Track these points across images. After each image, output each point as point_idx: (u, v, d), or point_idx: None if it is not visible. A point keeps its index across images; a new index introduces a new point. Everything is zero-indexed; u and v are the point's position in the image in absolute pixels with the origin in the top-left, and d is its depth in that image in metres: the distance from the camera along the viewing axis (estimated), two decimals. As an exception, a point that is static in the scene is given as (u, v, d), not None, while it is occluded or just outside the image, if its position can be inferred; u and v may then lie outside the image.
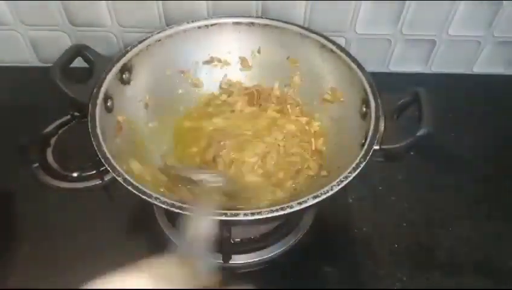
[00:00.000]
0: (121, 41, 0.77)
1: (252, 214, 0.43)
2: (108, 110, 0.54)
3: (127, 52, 0.58)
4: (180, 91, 0.65)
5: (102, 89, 0.53)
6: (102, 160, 0.47)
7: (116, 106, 0.55)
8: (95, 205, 0.63)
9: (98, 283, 0.33)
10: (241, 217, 0.43)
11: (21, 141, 0.67)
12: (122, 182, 0.45)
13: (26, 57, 0.80)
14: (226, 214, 0.43)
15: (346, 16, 0.73)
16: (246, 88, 0.66)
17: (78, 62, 0.57)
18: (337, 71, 0.60)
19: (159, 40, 0.61)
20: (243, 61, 0.67)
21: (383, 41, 0.77)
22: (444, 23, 0.74)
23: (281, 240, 0.59)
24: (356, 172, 0.46)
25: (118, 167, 0.46)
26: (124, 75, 0.57)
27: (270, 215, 0.43)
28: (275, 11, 0.72)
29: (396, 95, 0.54)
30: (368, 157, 0.47)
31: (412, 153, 0.69)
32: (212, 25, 0.63)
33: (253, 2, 0.71)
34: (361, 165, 0.47)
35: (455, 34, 0.76)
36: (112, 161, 0.46)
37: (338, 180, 0.45)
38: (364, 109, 0.54)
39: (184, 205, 0.43)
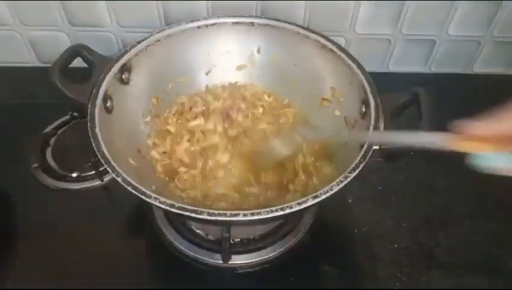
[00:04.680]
0: (120, 42, 0.77)
1: (252, 214, 0.42)
2: (108, 110, 0.54)
3: (126, 52, 0.58)
4: (179, 91, 0.65)
5: (102, 89, 0.53)
6: (102, 160, 0.46)
7: (116, 106, 0.55)
8: (94, 205, 0.63)
9: None
10: (241, 217, 0.43)
11: (21, 141, 0.67)
12: (122, 182, 0.45)
13: (25, 57, 0.80)
14: (225, 214, 0.43)
15: (346, 16, 0.73)
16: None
17: (78, 62, 0.57)
18: (337, 71, 0.60)
19: (159, 40, 0.61)
20: (242, 61, 0.67)
21: (383, 41, 0.77)
22: (444, 23, 0.74)
23: (281, 240, 0.59)
24: (356, 172, 0.46)
25: (117, 167, 0.46)
26: (123, 75, 0.57)
27: (269, 215, 0.43)
28: (275, 11, 0.72)
29: (396, 95, 0.54)
30: (368, 157, 0.47)
31: (412, 153, 0.69)
32: (211, 24, 0.63)
33: (253, 2, 0.71)
34: (361, 165, 0.46)
35: (455, 34, 0.76)
36: (111, 161, 0.46)
37: (338, 180, 0.45)
38: (364, 109, 0.54)
39: (183, 206, 0.43)
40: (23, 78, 0.79)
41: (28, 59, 0.80)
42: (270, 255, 0.58)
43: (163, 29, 0.61)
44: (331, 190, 0.44)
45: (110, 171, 0.46)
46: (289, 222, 0.60)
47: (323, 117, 0.62)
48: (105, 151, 0.47)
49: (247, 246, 0.59)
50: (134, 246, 0.59)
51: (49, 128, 0.70)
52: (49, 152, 0.68)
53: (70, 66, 0.56)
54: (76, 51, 0.57)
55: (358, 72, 0.56)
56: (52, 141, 0.69)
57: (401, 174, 0.68)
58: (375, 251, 0.59)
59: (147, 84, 0.61)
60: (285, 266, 0.58)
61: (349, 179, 0.46)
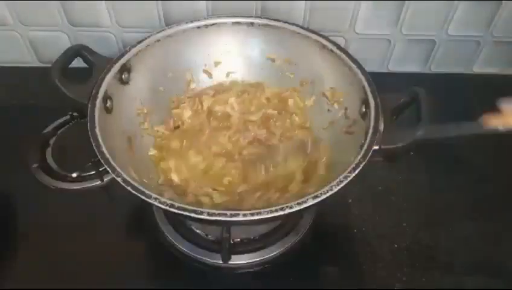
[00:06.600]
0: (120, 42, 0.77)
1: (252, 214, 0.43)
2: (108, 110, 0.54)
3: (126, 52, 0.58)
4: (179, 91, 0.65)
5: (102, 89, 0.53)
6: (102, 160, 0.47)
7: (116, 106, 0.55)
8: (94, 205, 0.63)
9: None
10: (240, 217, 0.43)
11: (21, 141, 0.67)
12: (121, 183, 0.45)
13: (26, 57, 0.80)
14: (226, 214, 0.43)
15: (345, 16, 0.73)
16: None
17: (78, 62, 0.57)
18: (336, 71, 0.60)
19: (158, 40, 0.61)
20: (241, 61, 0.67)
21: (382, 41, 0.77)
22: (444, 23, 0.74)
23: (281, 240, 0.59)
24: (356, 172, 0.46)
25: (117, 168, 0.46)
26: (123, 76, 0.57)
27: (269, 215, 0.43)
28: (275, 11, 0.72)
29: (396, 95, 0.54)
30: (368, 158, 0.47)
31: (412, 153, 0.69)
32: (211, 25, 0.63)
33: (253, 2, 0.71)
34: (361, 165, 0.47)
35: (455, 34, 0.76)
36: (111, 161, 0.46)
37: (338, 180, 0.45)
38: (363, 109, 0.54)
39: (183, 206, 0.43)
40: (23, 78, 0.79)
41: (28, 59, 0.80)
42: (270, 255, 0.58)
43: (163, 29, 0.61)
44: (331, 189, 0.45)
45: (110, 171, 0.46)
46: (289, 222, 0.60)
47: (323, 117, 0.62)
48: (105, 151, 0.47)
49: (247, 246, 0.59)
50: (134, 246, 0.59)
51: (49, 128, 0.70)
52: (49, 152, 0.68)
53: (70, 66, 0.56)
54: (76, 51, 0.57)
55: (358, 72, 0.56)
56: (52, 141, 0.69)
57: (401, 174, 0.68)
58: (375, 251, 0.59)
59: (147, 84, 0.61)
60: (285, 266, 0.58)
61: (349, 179, 0.46)
